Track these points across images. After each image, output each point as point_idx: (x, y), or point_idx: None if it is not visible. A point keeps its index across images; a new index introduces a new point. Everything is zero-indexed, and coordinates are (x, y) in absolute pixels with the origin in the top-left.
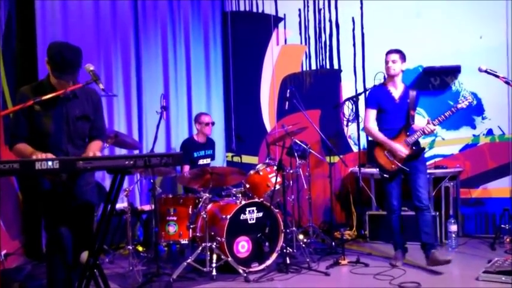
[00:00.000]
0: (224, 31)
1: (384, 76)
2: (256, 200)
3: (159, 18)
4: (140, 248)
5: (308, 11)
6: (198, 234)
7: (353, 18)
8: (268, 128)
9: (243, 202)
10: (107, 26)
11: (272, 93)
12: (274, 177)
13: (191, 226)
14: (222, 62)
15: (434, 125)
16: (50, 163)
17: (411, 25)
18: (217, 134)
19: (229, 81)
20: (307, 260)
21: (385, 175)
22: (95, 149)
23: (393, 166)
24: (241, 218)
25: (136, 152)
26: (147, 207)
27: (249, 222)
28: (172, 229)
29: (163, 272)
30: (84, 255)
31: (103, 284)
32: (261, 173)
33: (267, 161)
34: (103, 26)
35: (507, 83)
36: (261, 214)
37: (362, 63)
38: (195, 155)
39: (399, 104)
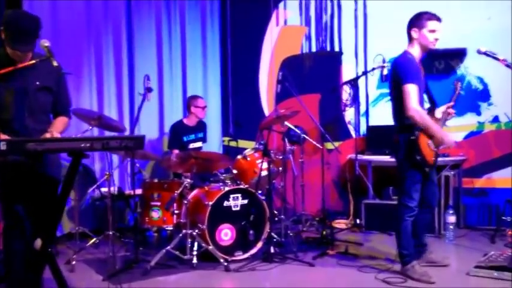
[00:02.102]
0: (222, 12)
1: (407, 53)
2: (241, 186)
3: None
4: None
5: None
6: (181, 220)
7: None
8: (267, 112)
9: (226, 188)
10: (98, 7)
11: (271, 76)
12: (261, 163)
13: (175, 212)
14: (220, 43)
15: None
16: None
17: (416, 5)
18: (214, 118)
19: (227, 64)
20: (294, 249)
21: (426, 169)
22: (58, 125)
23: (434, 158)
24: (225, 204)
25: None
26: (136, 192)
27: (233, 209)
28: (156, 214)
29: (143, 259)
30: (38, 241)
31: (54, 273)
32: (248, 159)
33: (256, 146)
34: (95, 7)
35: (508, 66)
36: (246, 201)
37: (364, 45)
38: (185, 139)
39: (425, 82)
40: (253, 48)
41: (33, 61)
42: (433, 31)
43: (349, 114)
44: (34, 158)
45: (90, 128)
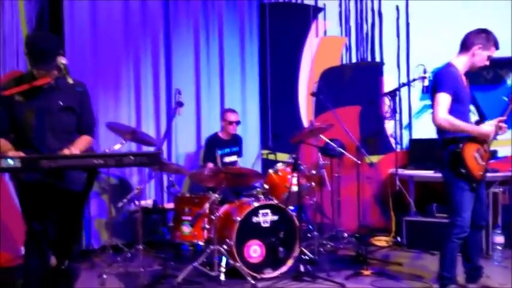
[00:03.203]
0: (261, 24)
1: (449, 65)
2: (270, 202)
3: (191, 11)
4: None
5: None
6: (212, 235)
7: (397, 6)
8: (306, 124)
9: (255, 204)
10: (136, 19)
11: (310, 88)
12: (293, 178)
13: (206, 226)
14: (259, 55)
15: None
16: (10, 161)
17: (459, 14)
18: (253, 131)
19: (266, 75)
20: (326, 268)
21: (473, 184)
22: (80, 143)
23: (481, 173)
24: (254, 220)
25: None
26: (171, 205)
27: (262, 225)
28: (187, 229)
29: (173, 274)
30: (53, 259)
31: None
32: (279, 173)
33: (289, 159)
34: (132, 19)
35: None
36: (276, 217)
37: (406, 55)
38: (219, 152)
39: (470, 94)
40: (292, 60)
41: (50, 80)
42: (490, 57)
43: (391, 126)
44: (55, 176)
45: (124, 142)
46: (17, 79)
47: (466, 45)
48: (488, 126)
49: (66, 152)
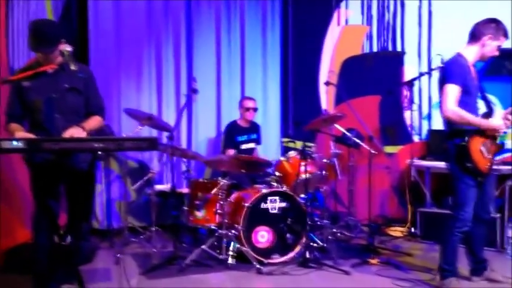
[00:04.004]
0: (284, 11)
1: (458, 55)
2: (279, 189)
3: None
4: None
5: None
6: (224, 220)
7: None
8: None
9: (264, 191)
10: (158, 7)
11: (332, 76)
12: (303, 166)
13: (218, 211)
14: (281, 44)
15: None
16: (15, 143)
17: (484, 3)
18: (273, 119)
19: (288, 64)
20: (333, 256)
21: (479, 178)
22: (91, 122)
23: (487, 166)
24: (262, 207)
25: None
26: (186, 190)
27: (271, 211)
28: (199, 214)
29: (184, 256)
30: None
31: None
32: (291, 161)
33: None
34: (155, 7)
35: None
36: (284, 204)
37: (428, 45)
38: (239, 139)
39: (478, 86)
40: (314, 49)
41: (54, 66)
42: (499, 47)
43: (411, 117)
44: (63, 156)
45: (141, 127)
46: (25, 67)
47: (475, 36)
48: (498, 120)
49: (73, 130)
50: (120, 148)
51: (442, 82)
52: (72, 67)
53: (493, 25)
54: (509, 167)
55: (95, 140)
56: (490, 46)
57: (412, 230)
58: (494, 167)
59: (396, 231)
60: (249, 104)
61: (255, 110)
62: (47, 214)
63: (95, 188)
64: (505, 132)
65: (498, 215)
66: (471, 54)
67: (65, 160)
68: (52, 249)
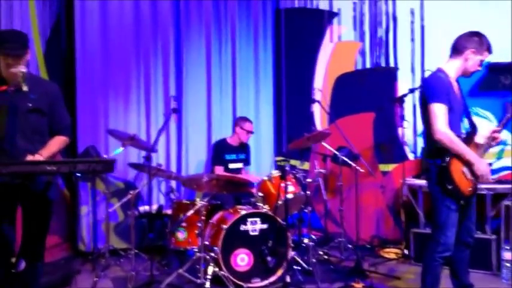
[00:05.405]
0: (277, 29)
1: (439, 70)
2: (259, 210)
3: (203, 17)
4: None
5: (363, 3)
6: (205, 242)
7: (412, 10)
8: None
9: (243, 212)
10: (146, 25)
11: (325, 93)
12: (286, 186)
13: (197, 233)
14: (273, 61)
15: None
16: None
17: (476, 17)
18: (267, 137)
19: (281, 81)
20: (317, 280)
21: (461, 201)
22: (51, 146)
23: (470, 189)
24: (241, 228)
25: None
26: (169, 211)
27: (251, 233)
28: (181, 235)
29: (161, 280)
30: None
31: None
32: (273, 181)
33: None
34: (143, 25)
35: None
36: (265, 226)
37: (421, 60)
38: (227, 157)
39: (462, 102)
40: (307, 66)
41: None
42: (482, 62)
43: (406, 134)
44: (24, 178)
45: (122, 148)
46: None
47: (457, 50)
48: (486, 167)
49: (30, 157)
50: (74, 171)
51: (424, 101)
52: (24, 88)
53: (476, 39)
54: (506, 186)
55: (47, 162)
56: (473, 60)
57: (406, 251)
58: (489, 186)
59: (390, 253)
60: (248, 126)
61: (252, 133)
62: (2, 241)
63: (52, 210)
64: (487, 151)
65: (494, 237)
66: (453, 69)
67: (27, 182)
68: (7, 278)
